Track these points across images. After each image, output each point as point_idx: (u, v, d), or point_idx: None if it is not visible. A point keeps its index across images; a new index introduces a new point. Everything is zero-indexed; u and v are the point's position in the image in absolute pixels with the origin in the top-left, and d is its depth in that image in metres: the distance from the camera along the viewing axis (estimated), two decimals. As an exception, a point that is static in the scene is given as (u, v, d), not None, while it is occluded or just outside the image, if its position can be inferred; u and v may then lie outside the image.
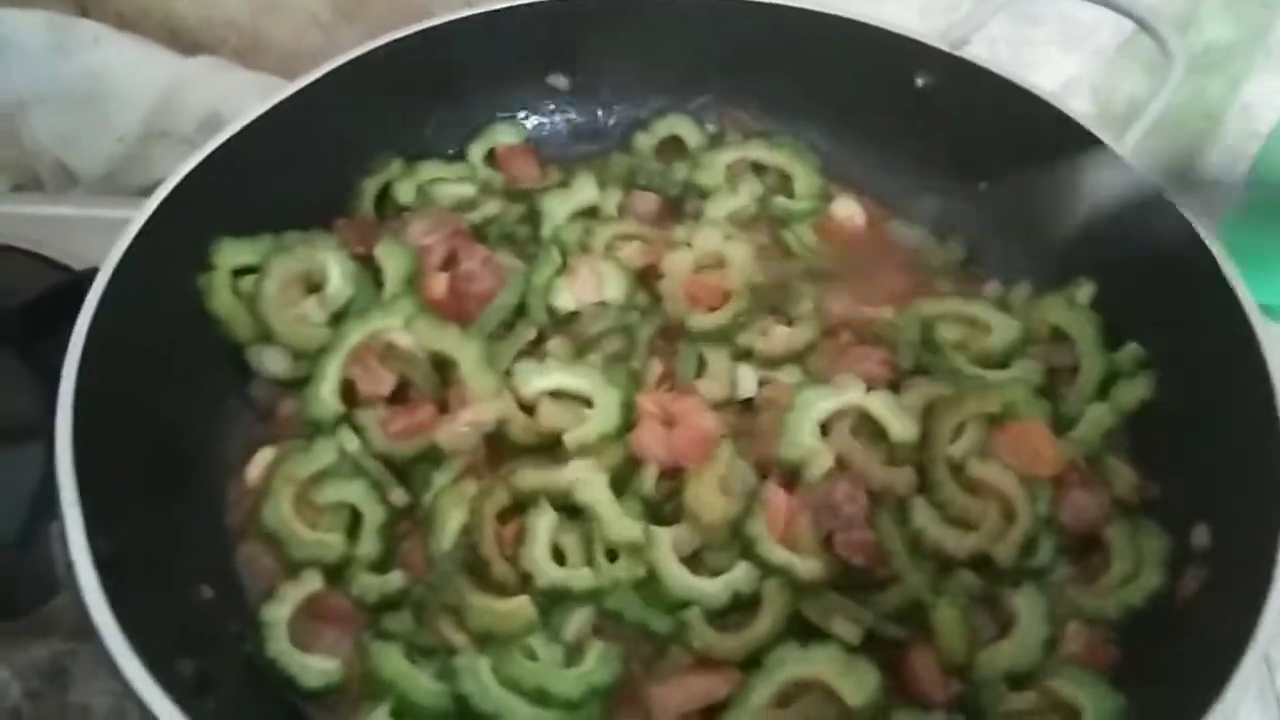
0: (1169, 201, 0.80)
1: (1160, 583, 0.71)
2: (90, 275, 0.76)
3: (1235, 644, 0.59)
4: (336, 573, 0.72)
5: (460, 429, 0.74)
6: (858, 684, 0.65)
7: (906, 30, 0.93)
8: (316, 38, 1.24)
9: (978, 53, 0.95)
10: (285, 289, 0.83)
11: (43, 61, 1.12)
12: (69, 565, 0.56)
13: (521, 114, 1.02)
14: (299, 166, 0.88)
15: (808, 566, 0.69)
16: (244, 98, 1.11)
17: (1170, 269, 0.79)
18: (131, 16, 1.20)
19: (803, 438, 0.73)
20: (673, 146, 1.01)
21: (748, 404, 0.81)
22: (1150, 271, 0.81)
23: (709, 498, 0.71)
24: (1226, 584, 0.66)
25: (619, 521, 0.70)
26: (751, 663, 0.67)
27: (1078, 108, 1.15)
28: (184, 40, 1.23)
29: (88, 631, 0.54)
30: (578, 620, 0.70)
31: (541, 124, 1.03)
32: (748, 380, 0.80)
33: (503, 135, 0.99)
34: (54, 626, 0.56)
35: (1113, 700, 0.65)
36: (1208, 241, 0.77)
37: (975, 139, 0.93)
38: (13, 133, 1.12)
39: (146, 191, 1.13)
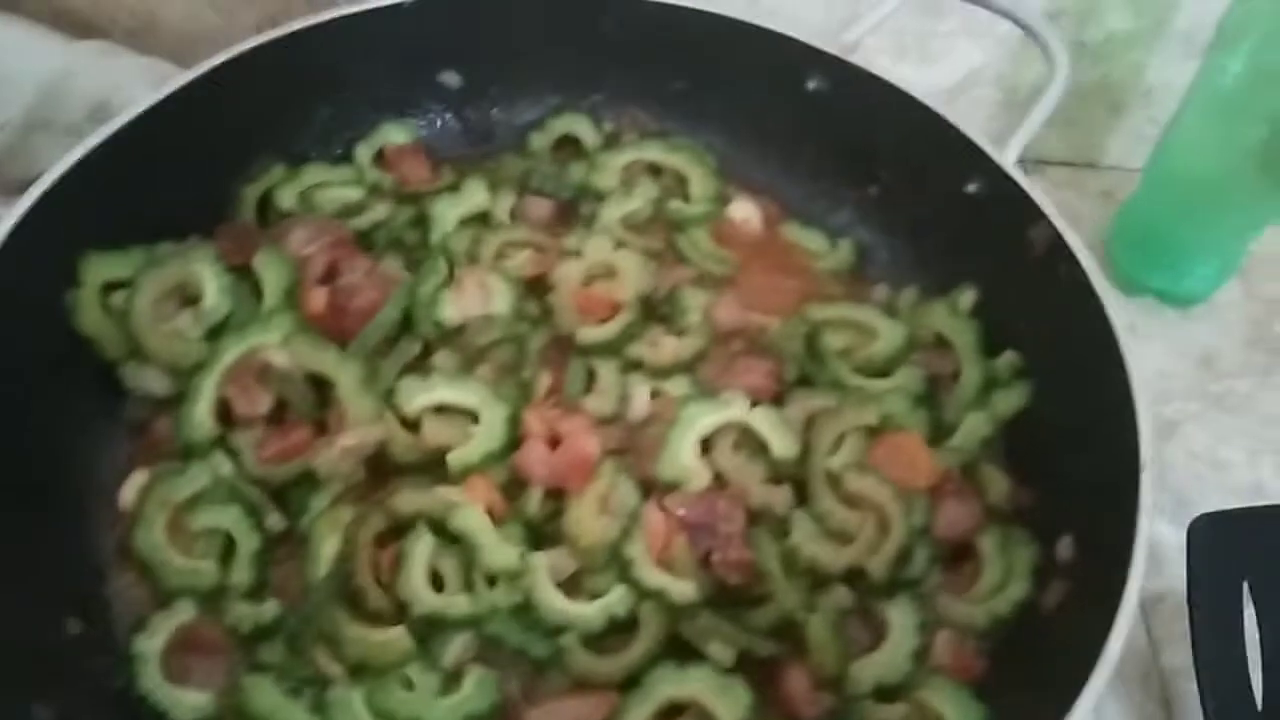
0: (1043, 211, 0.81)
1: (1026, 593, 0.73)
2: None
3: (1087, 660, 0.61)
4: (210, 601, 0.71)
5: (336, 454, 0.73)
6: (731, 704, 0.66)
7: (797, 34, 0.93)
8: (212, 19, 1.20)
9: (881, 44, 0.95)
10: (159, 303, 0.81)
11: (-87, 48, 1.06)
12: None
13: (412, 113, 0.99)
14: (179, 170, 0.86)
15: (681, 589, 0.70)
16: (135, 85, 1.07)
17: (1043, 279, 0.80)
18: (14, -4, 1.15)
19: (682, 457, 0.74)
20: (568, 146, 1.00)
21: (635, 415, 0.81)
22: (1026, 280, 0.82)
23: (588, 521, 0.71)
24: (1084, 598, 0.69)
25: (496, 549, 0.70)
26: (629, 684, 0.68)
27: (983, 95, 1.19)
28: (72, 21, 1.17)
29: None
30: (456, 646, 0.70)
31: (433, 123, 1.01)
32: (640, 401, 0.80)
33: (392, 135, 0.97)
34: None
35: (976, 711, 0.68)
36: (1078, 253, 0.78)
37: (864, 143, 0.94)
38: (-115, 122, 1.07)
39: (26, 186, 1.10)
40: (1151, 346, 1.07)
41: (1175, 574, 0.78)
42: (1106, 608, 0.63)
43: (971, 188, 0.87)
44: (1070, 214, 0.80)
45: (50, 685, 0.62)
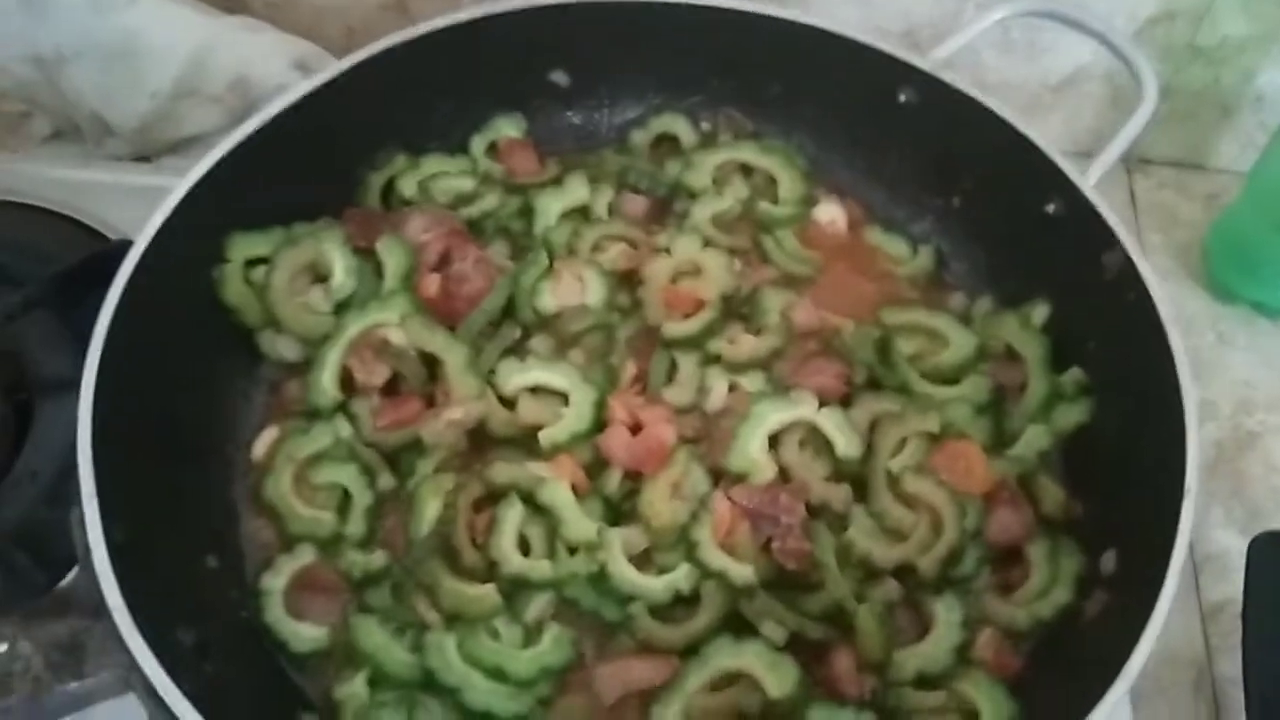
0: (1118, 237, 0.84)
1: (1069, 600, 0.77)
2: (123, 248, 0.81)
3: (1111, 673, 0.65)
4: (327, 547, 0.80)
5: (442, 426, 0.82)
6: (780, 678, 0.72)
7: (892, 49, 0.96)
8: (345, -7, 1.28)
9: (990, 39, 0.96)
10: (293, 279, 0.89)
11: (80, 17, 1.16)
12: (87, 549, 0.65)
13: (523, 109, 1.05)
14: (315, 155, 0.93)
15: (742, 572, 0.76)
16: (271, 60, 1.17)
17: (1113, 302, 0.83)
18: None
19: (750, 451, 0.80)
20: (666, 144, 1.06)
21: (712, 406, 0.87)
22: (1096, 302, 0.85)
23: (660, 504, 0.78)
24: (1121, 612, 0.72)
25: (577, 522, 0.78)
26: (689, 651, 0.75)
27: (1091, 92, 1.19)
28: (218, -8, 1.27)
29: (101, 611, 0.63)
30: (538, 604, 0.78)
31: (542, 119, 1.06)
32: (717, 394, 0.86)
33: (504, 128, 1.04)
34: (72, 605, 0.65)
35: (1008, 706, 0.73)
36: (1148, 282, 0.81)
37: (949, 156, 0.97)
38: (54, 83, 1.18)
39: (175, 147, 1.20)
40: (1239, 356, 1.08)
41: (1239, 584, 0.79)
42: (1137, 625, 0.67)
43: (1051, 207, 0.90)
44: (1172, 216, 0.81)
45: (191, 612, 0.72)
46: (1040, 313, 0.91)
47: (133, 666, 0.62)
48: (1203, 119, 1.21)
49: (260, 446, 0.87)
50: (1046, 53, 1.18)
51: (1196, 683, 0.89)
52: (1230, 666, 0.89)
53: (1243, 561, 0.79)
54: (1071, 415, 0.86)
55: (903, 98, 0.98)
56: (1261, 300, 1.10)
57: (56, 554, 0.84)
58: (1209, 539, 0.96)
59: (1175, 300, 0.86)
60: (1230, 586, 0.91)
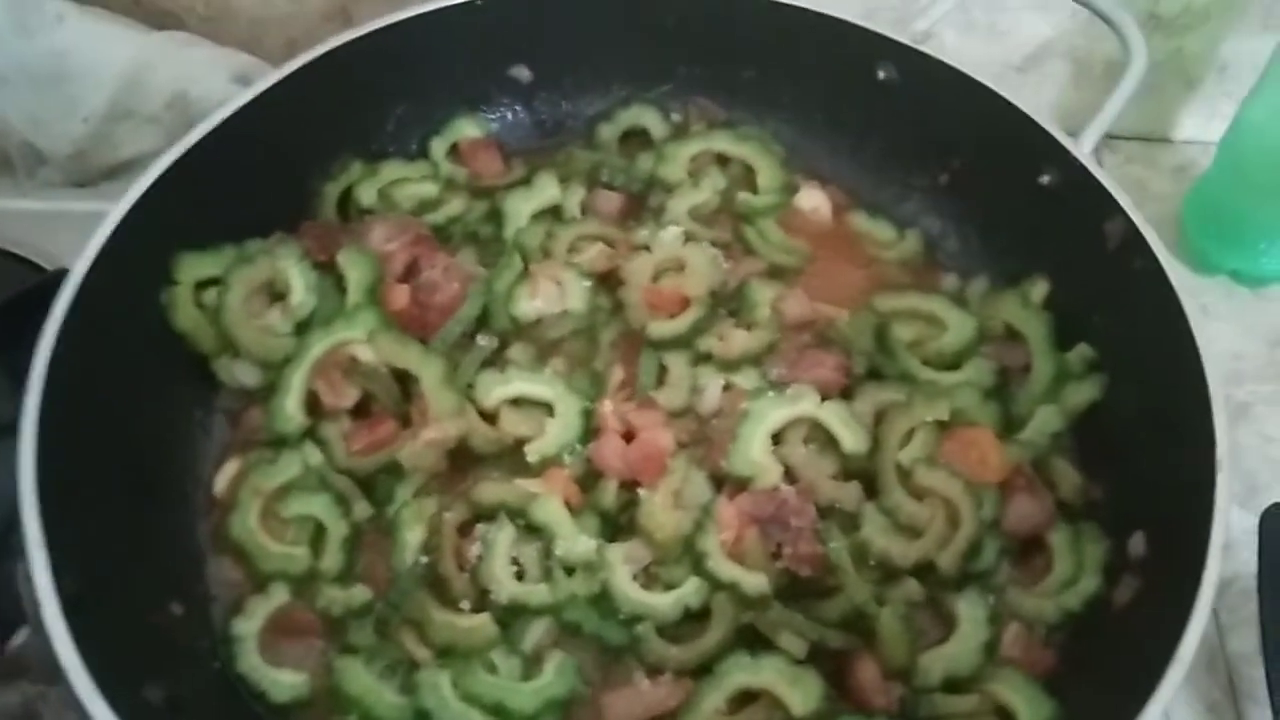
0: (1119, 205, 0.80)
1: (1097, 588, 0.74)
2: (58, 278, 0.76)
3: (1159, 659, 0.61)
4: (302, 585, 0.75)
5: (420, 446, 0.76)
6: (803, 695, 0.68)
7: (868, 23, 0.93)
8: (283, 6, 1.23)
9: (949, 19, 0.94)
10: (249, 300, 0.84)
11: (4, 42, 1.11)
12: (36, 606, 0.59)
13: (484, 107, 1.01)
14: (264, 168, 0.89)
15: (754, 581, 0.72)
16: (210, 75, 1.11)
17: (1117, 272, 0.80)
18: (93, -15, 1.19)
19: (752, 453, 0.76)
20: (636, 137, 1.02)
21: (707, 407, 0.82)
22: (1099, 273, 0.82)
23: (661, 516, 0.73)
24: (1157, 595, 0.69)
25: (574, 540, 0.73)
26: (702, 671, 0.70)
27: (1055, 70, 1.17)
28: (149, 9, 1.21)
29: (57, 674, 0.56)
30: (536, 632, 0.73)
31: (504, 117, 1.02)
32: (712, 394, 0.81)
33: (465, 129, 0.99)
34: (24, 670, 0.59)
35: (1047, 706, 0.69)
36: (1155, 248, 0.78)
37: (935, 132, 0.94)
38: (-20, 112, 1.12)
39: (113, 172, 1.15)
40: (1224, 327, 1.06)
41: (1243, 558, 0.79)
42: (1180, 607, 0.63)
43: (1045, 179, 0.87)
44: (1142, 190, 0.79)
45: (158, 667, 0.66)
46: (1039, 289, 0.88)
47: (95, 734, 0.55)
48: (1167, 91, 1.20)
49: (222, 481, 0.81)
50: (1008, 33, 1.15)
51: (1209, 661, 0.86)
52: (1241, 643, 0.87)
53: (1245, 535, 0.77)
54: (1082, 393, 0.82)
55: (882, 75, 0.94)
56: (1240, 269, 1.09)
57: (2, 615, 0.77)
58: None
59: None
60: (1235, 561, 0.88)
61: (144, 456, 0.79)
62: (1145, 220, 0.79)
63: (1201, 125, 1.21)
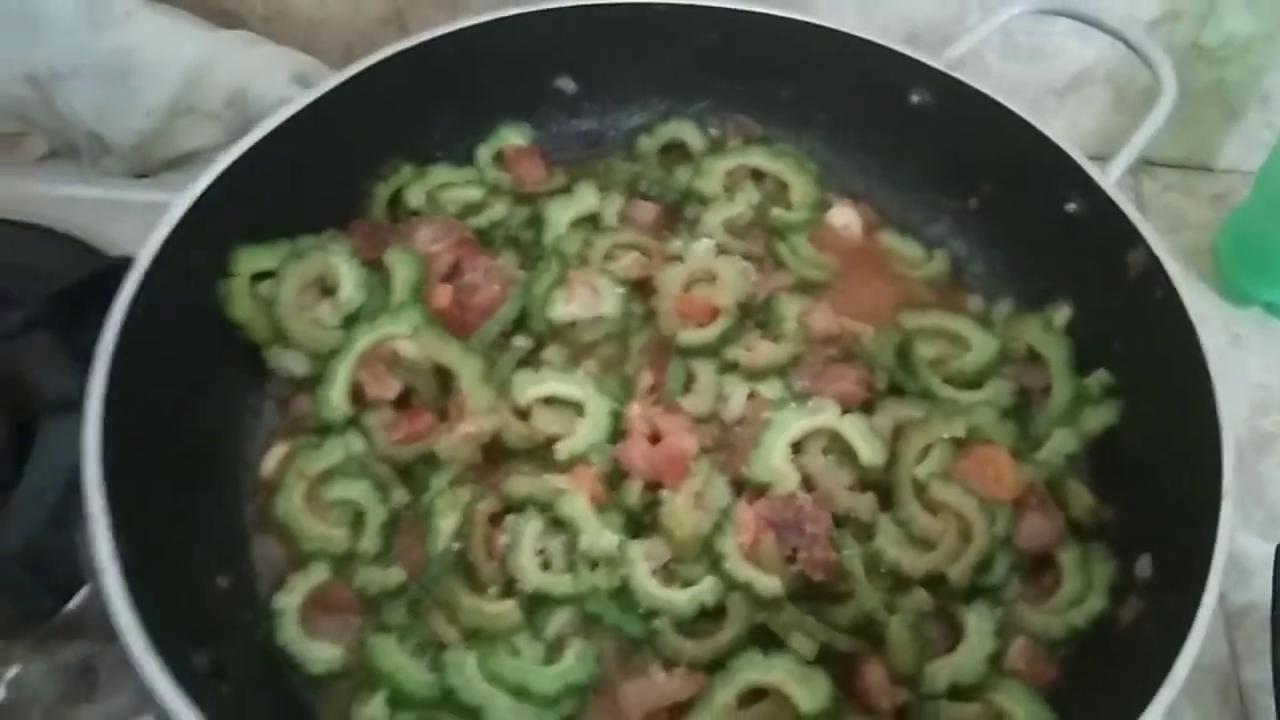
0: (1142, 236, 0.82)
1: (1103, 607, 0.76)
2: (123, 265, 0.79)
3: (1156, 679, 0.63)
4: (341, 565, 0.78)
5: (457, 439, 0.80)
6: (811, 693, 0.71)
7: (909, 46, 0.95)
8: (340, 8, 1.27)
9: (991, 42, 0.95)
10: (300, 293, 0.87)
11: (75, 35, 1.15)
12: (96, 572, 0.63)
13: (529, 117, 1.04)
14: (319, 167, 0.92)
15: (768, 583, 0.75)
16: (270, 74, 1.15)
17: (1138, 301, 0.82)
18: (161, -15, 1.23)
19: (772, 460, 0.78)
20: (675, 151, 1.05)
21: (732, 415, 0.85)
22: (1120, 302, 0.84)
23: (682, 516, 0.76)
24: (1159, 617, 0.71)
25: (597, 535, 0.76)
26: (715, 666, 0.73)
27: (1094, 95, 1.18)
28: (210, 7, 1.26)
29: (112, 634, 0.60)
30: (559, 619, 0.76)
31: (548, 127, 1.05)
32: (737, 402, 0.84)
33: (510, 137, 1.03)
34: (82, 628, 0.63)
35: (1047, 717, 0.71)
36: (1175, 280, 0.80)
37: (965, 157, 0.96)
38: (49, 101, 1.17)
39: (172, 164, 1.19)
40: (1254, 358, 1.07)
41: (1262, 588, 0.79)
42: (1179, 631, 0.65)
43: (1071, 206, 0.89)
44: (1180, 218, 0.80)
45: (205, 635, 0.69)
46: (1062, 314, 0.90)
47: (147, 691, 0.59)
48: (1208, 120, 1.21)
49: (270, 463, 0.85)
50: (1051, 56, 1.17)
51: (1223, 690, 0.87)
52: (1256, 672, 0.87)
53: (1264, 566, 0.78)
54: (1099, 418, 0.84)
55: (915, 99, 0.97)
56: (1275, 301, 1.09)
57: (61, 578, 0.81)
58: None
59: (1188, 303, 0.85)
60: (1253, 591, 0.90)
61: (198, 437, 0.83)
62: (1180, 248, 0.81)
63: (1242, 155, 1.22)
